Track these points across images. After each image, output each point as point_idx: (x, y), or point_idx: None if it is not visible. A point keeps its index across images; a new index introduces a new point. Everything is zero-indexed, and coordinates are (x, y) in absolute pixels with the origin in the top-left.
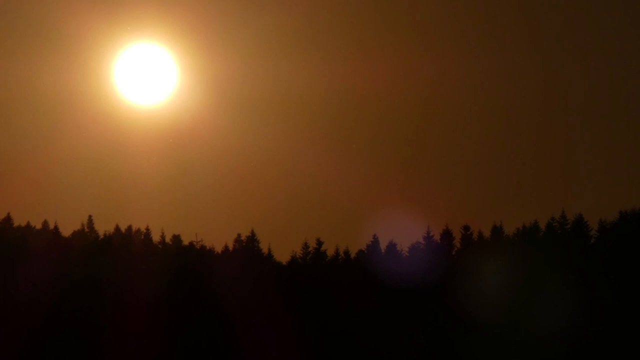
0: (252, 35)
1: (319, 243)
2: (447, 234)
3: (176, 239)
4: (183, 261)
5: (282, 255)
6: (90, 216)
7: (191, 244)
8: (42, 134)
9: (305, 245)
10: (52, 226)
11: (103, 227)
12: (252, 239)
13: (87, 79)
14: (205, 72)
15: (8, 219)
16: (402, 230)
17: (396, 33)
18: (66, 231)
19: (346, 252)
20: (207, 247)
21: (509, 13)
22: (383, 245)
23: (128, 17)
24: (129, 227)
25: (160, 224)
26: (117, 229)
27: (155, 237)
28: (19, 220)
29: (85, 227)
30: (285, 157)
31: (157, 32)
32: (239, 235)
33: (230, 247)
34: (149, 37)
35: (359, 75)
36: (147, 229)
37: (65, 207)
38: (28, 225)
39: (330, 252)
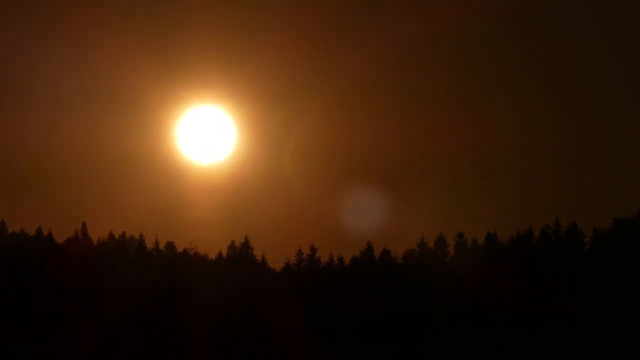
0: (302, 97)
1: (313, 250)
2: (441, 241)
3: (170, 245)
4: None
5: (276, 262)
6: (84, 223)
7: (185, 250)
8: (106, 188)
9: (299, 252)
10: (45, 233)
11: (97, 234)
12: (246, 245)
13: (151, 137)
14: (261, 132)
15: (2, 225)
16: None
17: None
18: (60, 238)
19: (340, 259)
20: (201, 254)
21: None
22: (377, 252)
23: (190, 81)
24: (123, 234)
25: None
26: (111, 235)
27: (149, 244)
28: (12, 227)
29: (79, 234)
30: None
31: (217, 95)
32: (232, 242)
33: (224, 254)
34: (209, 100)
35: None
36: (141, 236)
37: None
38: (22, 232)
39: (324, 259)
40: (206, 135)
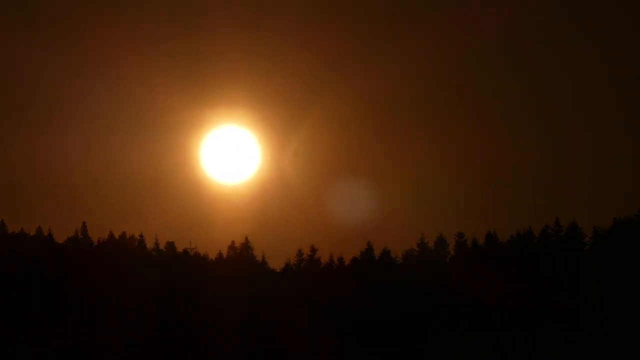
0: (324, 116)
1: (313, 250)
2: (441, 241)
3: (170, 245)
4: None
5: (277, 263)
6: (84, 223)
7: (185, 250)
8: (131, 207)
9: (300, 253)
10: (46, 233)
11: (97, 234)
12: (246, 246)
13: (175, 158)
14: (285, 152)
15: (2, 225)
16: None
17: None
18: (60, 238)
19: (340, 259)
20: (201, 254)
21: None
22: (377, 252)
23: (214, 102)
24: (123, 234)
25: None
26: (111, 235)
27: (149, 244)
28: (12, 227)
29: (79, 234)
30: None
31: (241, 116)
32: (233, 242)
33: (225, 254)
34: (234, 120)
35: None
36: (141, 236)
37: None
38: (22, 232)
39: (324, 259)
40: (230, 155)
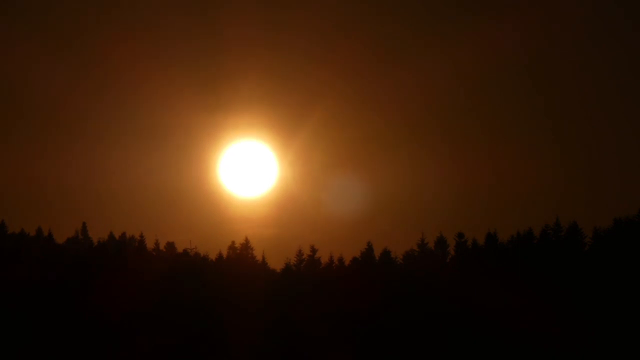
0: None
1: (313, 250)
2: (441, 242)
3: (170, 246)
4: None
5: (277, 263)
6: (84, 223)
7: (185, 250)
8: (150, 219)
9: (300, 253)
10: (46, 233)
11: (97, 234)
12: (247, 246)
13: (195, 172)
14: (301, 166)
15: (2, 225)
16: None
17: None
18: (60, 238)
19: (340, 260)
20: (201, 255)
21: None
22: (377, 253)
23: (232, 118)
24: (123, 234)
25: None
26: (111, 236)
27: (149, 245)
28: (12, 227)
29: (79, 234)
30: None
31: (259, 131)
32: (232, 242)
33: (224, 254)
34: (252, 135)
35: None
36: (141, 236)
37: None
38: (22, 233)
39: (324, 260)
40: (248, 169)
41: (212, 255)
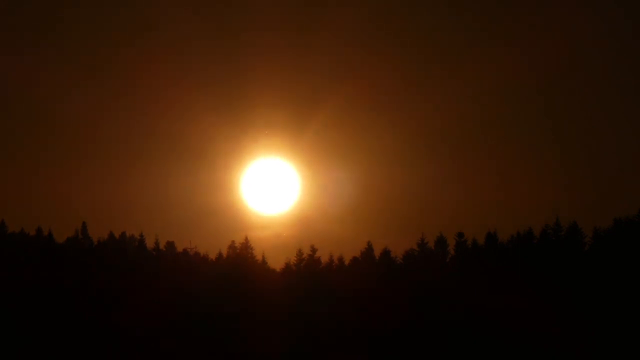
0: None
1: (313, 250)
2: (441, 241)
3: (170, 245)
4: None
5: (276, 263)
6: (84, 222)
7: (185, 250)
8: (170, 236)
9: (300, 252)
10: (45, 233)
11: (97, 234)
12: (246, 245)
13: (217, 189)
14: (325, 184)
15: (2, 225)
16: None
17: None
18: (60, 238)
19: (340, 259)
20: (201, 254)
21: None
22: (377, 253)
23: (254, 133)
24: (123, 234)
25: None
26: (111, 235)
27: (149, 244)
28: (12, 227)
29: (79, 234)
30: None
31: (281, 148)
32: (232, 242)
33: (224, 254)
34: (273, 152)
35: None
36: (141, 236)
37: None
38: (22, 232)
39: (324, 260)
40: (271, 186)
41: (212, 255)
